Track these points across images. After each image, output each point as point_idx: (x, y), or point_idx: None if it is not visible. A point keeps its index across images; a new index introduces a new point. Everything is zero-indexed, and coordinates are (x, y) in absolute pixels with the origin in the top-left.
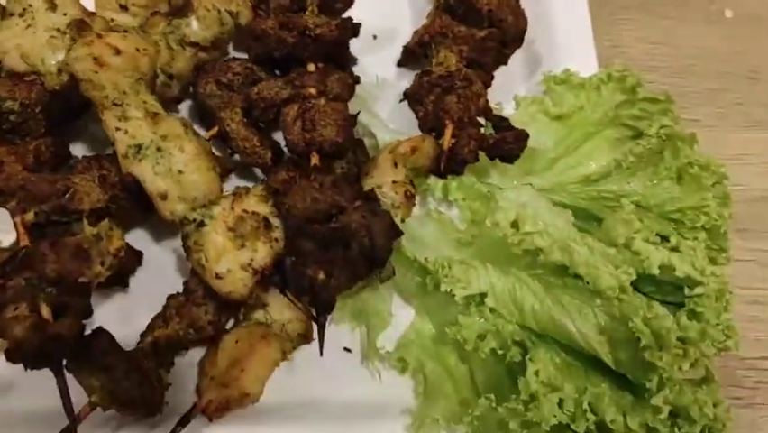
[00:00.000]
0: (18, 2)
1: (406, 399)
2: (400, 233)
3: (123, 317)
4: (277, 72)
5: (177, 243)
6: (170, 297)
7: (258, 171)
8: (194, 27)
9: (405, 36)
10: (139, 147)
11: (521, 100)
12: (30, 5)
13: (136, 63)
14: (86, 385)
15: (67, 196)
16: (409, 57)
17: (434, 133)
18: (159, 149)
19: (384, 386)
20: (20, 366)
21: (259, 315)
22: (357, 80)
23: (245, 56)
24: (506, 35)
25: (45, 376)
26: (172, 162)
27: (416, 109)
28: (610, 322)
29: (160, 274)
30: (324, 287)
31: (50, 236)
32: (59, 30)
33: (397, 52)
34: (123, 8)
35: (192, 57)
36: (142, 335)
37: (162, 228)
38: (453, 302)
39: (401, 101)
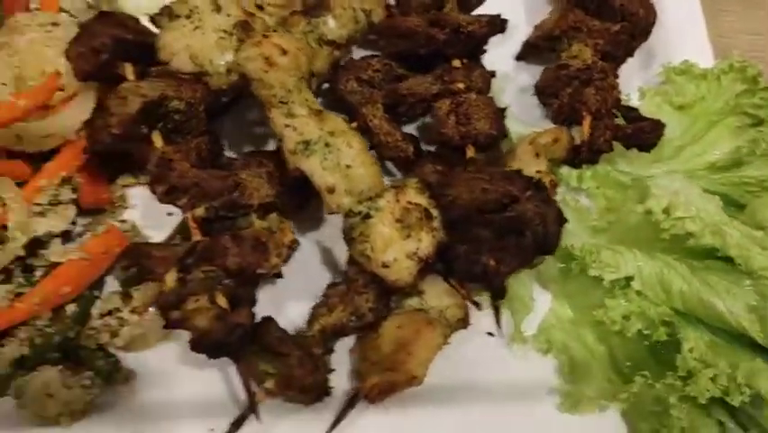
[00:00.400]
0: (184, 3)
1: (551, 380)
2: (566, 220)
3: (274, 307)
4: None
5: (318, 235)
6: (330, 286)
7: (390, 166)
8: (331, 25)
9: (520, 31)
10: (307, 143)
11: (646, 91)
12: (196, 7)
13: (298, 62)
14: (258, 372)
15: (237, 191)
16: (530, 51)
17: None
18: (327, 144)
19: (529, 369)
20: (177, 358)
21: (413, 301)
22: (493, 74)
23: (367, 53)
24: (635, 28)
25: (206, 366)
26: (340, 157)
27: (548, 102)
28: (761, 301)
29: (304, 266)
30: (497, 273)
31: (217, 231)
32: (225, 31)
33: (512, 47)
34: (259, 8)
35: (329, 55)
36: (309, 323)
37: (306, 222)
38: (595, 286)
39: (533, 94)
